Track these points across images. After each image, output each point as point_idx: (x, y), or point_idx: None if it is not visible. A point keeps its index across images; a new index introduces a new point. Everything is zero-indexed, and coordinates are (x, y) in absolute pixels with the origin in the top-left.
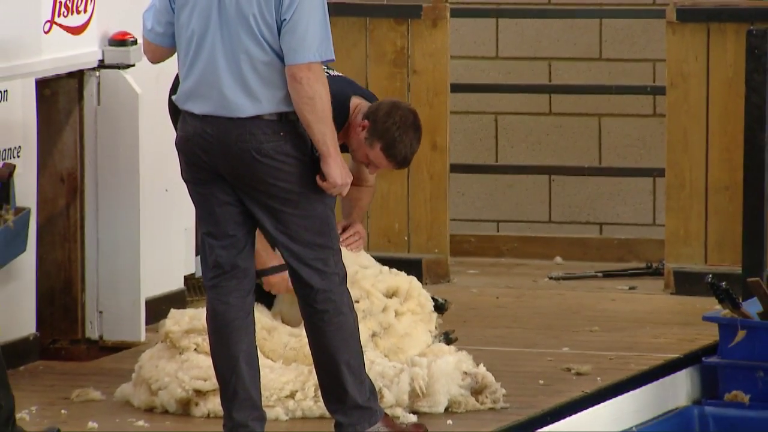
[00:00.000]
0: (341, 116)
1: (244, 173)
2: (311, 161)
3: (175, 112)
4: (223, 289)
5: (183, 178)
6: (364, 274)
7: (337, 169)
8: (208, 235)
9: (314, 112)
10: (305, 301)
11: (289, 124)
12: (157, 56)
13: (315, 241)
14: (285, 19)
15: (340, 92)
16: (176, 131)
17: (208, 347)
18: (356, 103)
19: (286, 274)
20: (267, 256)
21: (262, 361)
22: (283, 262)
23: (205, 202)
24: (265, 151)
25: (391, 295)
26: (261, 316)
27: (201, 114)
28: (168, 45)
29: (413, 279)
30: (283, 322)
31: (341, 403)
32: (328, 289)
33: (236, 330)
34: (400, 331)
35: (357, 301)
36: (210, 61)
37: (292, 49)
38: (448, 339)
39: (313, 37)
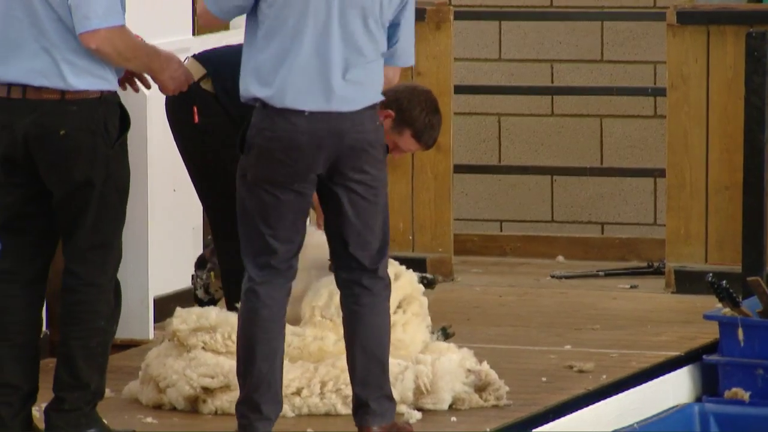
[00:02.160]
0: None
1: (347, 165)
2: (384, 151)
3: (176, 109)
4: (273, 287)
5: (252, 177)
6: None
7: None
8: (272, 237)
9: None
10: (360, 284)
11: (377, 114)
12: (212, 24)
13: (382, 233)
14: (397, 21)
15: None
16: (178, 129)
17: (216, 345)
18: None
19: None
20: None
21: None
22: None
23: (278, 206)
24: (371, 141)
25: (398, 304)
26: None
27: (308, 111)
28: (228, 20)
29: (412, 278)
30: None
31: (381, 390)
32: (384, 276)
33: (280, 325)
34: (406, 340)
35: None
36: (319, 55)
37: (407, 46)
38: (446, 334)
39: (412, 42)
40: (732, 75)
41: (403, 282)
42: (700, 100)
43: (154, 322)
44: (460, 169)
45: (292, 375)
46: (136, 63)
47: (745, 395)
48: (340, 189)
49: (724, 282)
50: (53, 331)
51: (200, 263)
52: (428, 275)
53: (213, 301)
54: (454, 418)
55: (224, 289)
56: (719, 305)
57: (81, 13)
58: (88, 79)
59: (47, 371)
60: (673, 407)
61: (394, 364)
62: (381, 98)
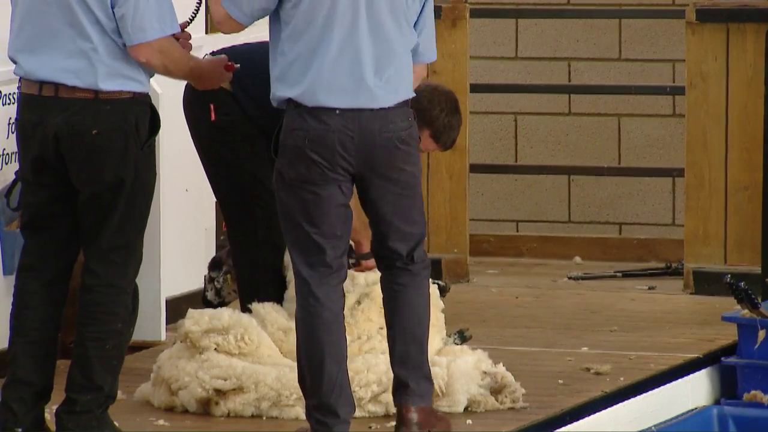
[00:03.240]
0: None
1: (381, 163)
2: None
3: (193, 106)
4: (329, 288)
5: (289, 179)
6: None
7: None
8: (319, 235)
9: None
10: (401, 268)
11: (410, 109)
12: (234, 30)
13: (421, 219)
14: (421, 12)
15: None
16: (195, 126)
17: (228, 346)
18: None
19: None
20: (366, 242)
21: (282, 360)
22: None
23: (320, 203)
24: (403, 138)
25: None
26: (278, 316)
27: (340, 108)
28: (248, 25)
29: (434, 291)
30: None
31: (420, 370)
32: (423, 259)
33: (342, 326)
34: None
35: (381, 328)
36: (349, 51)
37: (429, 42)
38: (462, 337)
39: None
40: (752, 73)
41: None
42: (720, 99)
43: (166, 323)
44: (476, 168)
45: None
46: (178, 76)
47: (764, 398)
48: (377, 187)
49: (743, 283)
50: (65, 332)
51: (215, 265)
52: (441, 282)
53: (223, 305)
54: (469, 421)
55: (239, 290)
56: (738, 307)
57: (136, 24)
58: (120, 81)
59: (58, 373)
60: (692, 410)
61: None
62: (412, 94)
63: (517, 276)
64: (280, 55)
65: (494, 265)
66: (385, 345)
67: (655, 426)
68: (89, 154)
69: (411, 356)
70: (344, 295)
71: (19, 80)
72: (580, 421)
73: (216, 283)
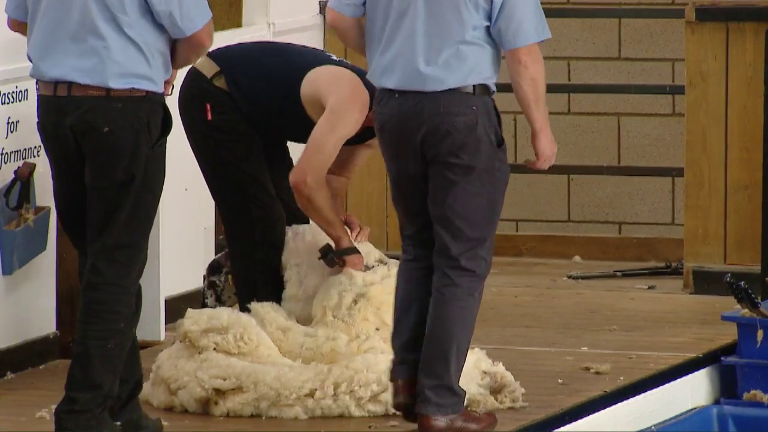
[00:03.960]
0: (372, 92)
1: (435, 148)
2: (496, 140)
3: (190, 106)
4: (417, 260)
5: (383, 158)
6: (376, 290)
7: (548, 144)
8: (404, 210)
9: (536, 92)
10: (443, 271)
11: (482, 98)
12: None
13: (477, 221)
14: (501, 3)
15: (364, 74)
16: (191, 126)
17: (227, 346)
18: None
19: (361, 255)
20: (347, 238)
21: (281, 360)
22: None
23: (399, 180)
24: (456, 126)
25: None
26: (276, 315)
27: (396, 89)
28: (353, 15)
29: None
30: (297, 321)
31: (438, 379)
32: (471, 269)
33: (422, 288)
34: None
35: (377, 329)
36: (408, 35)
37: (511, 33)
38: None
39: (530, 18)
40: (751, 73)
41: None
42: (719, 98)
43: (166, 323)
44: None
45: (305, 377)
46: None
47: (764, 397)
48: (434, 170)
49: (743, 282)
50: (63, 332)
51: (214, 269)
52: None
53: None
54: None
55: (237, 290)
56: (738, 306)
57: (185, 16)
58: (132, 80)
59: (56, 372)
60: (691, 409)
61: None
62: (475, 81)
63: (517, 275)
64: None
65: (494, 264)
66: (383, 345)
67: (654, 425)
68: (101, 151)
69: (430, 364)
70: (423, 278)
71: (36, 82)
72: (580, 421)
73: (217, 286)
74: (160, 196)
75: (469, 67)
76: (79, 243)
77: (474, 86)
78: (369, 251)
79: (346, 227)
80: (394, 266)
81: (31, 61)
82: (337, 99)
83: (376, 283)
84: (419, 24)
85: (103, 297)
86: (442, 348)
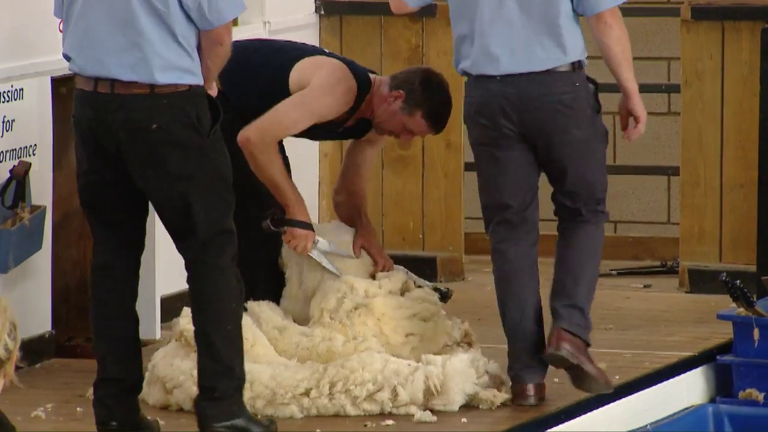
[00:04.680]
0: (366, 87)
1: (545, 126)
2: (595, 108)
3: None
4: (511, 243)
5: (472, 143)
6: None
7: (641, 104)
8: (499, 193)
9: (624, 52)
10: (570, 220)
11: (580, 73)
12: (401, 11)
13: (595, 181)
14: None
15: (358, 67)
16: None
17: None
18: (372, 77)
19: (312, 234)
20: (299, 209)
21: (277, 359)
22: (309, 221)
23: (497, 163)
24: (566, 102)
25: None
26: (272, 314)
27: (499, 74)
28: (416, 6)
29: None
30: (294, 321)
31: (569, 299)
32: (597, 209)
33: (528, 276)
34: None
35: (375, 336)
36: (507, 18)
37: None
38: (442, 293)
39: None
40: (747, 71)
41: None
42: (715, 97)
43: (161, 321)
44: (471, 166)
45: (300, 376)
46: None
47: (760, 396)
48: (544, 149)
49: (739, 281)
50: (58, 331)
51: None
52: (442, 288)
53: None
54: (464, 419)
55: None
56: (733, 305)
57: (213, 8)
58: (176, 73)
59: (52, 371)
60: (687, 408)
61: (404, 364)
62: (575, 58)
63: None
64: (453, 33)
65: (489, 263)
66: (380, 347)
67: (650, 424)
68: (151, 150)
69: (562, 287)
70: (535, 244)
71: (74, 76)
72: (576, 420)
73: None
74: (231, 177)
75: (568, 46)
76: (101, 232)
77: (572, 63)
78: (399, 277)
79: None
80: (395, 276)
81: (67, 58)
82: (318, 80)
83: (379, 296)
84: (512, 9)
85: (210, 284)
86: (573, 273)
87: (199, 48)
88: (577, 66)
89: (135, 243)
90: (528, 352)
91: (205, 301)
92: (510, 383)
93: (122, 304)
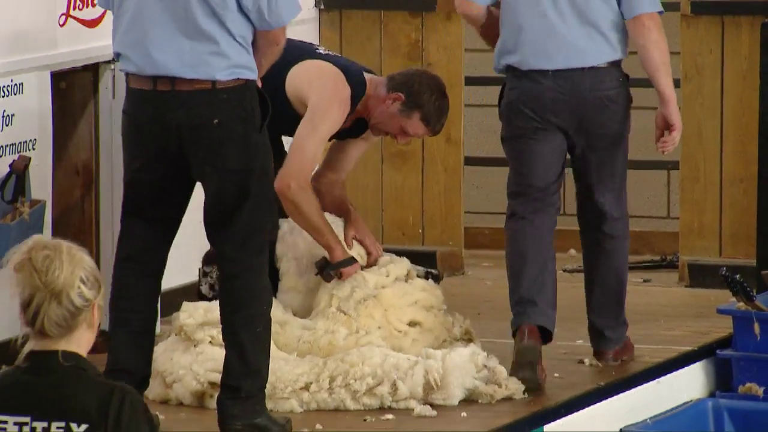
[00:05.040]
0: (361, 90)
1: (589, 120)
2: (629, 105)
3: None
4: (536, 211)
5: (507, 133)
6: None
7: (678, 113)
8: (529, 178)
9: (663, 56)
10: (599, 230)
11: (621, 70)
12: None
13: (622, 176)
14: None
15: (353, 68)
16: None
17: (222, 339)
18: (368, 77)
19: (357, 264)
20: (340, 248)
21: (277, 353)
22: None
23: (532, 151)
24: (612, 97)
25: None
26: (274, 310)
27: (551, 69)
28: (485, 3)
29: (433, 289)
30: (294, 315)
31: (615, 319)
32: (620, 217)
33: (544, 240)
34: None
35: (379, 327)
36: (558, 14)
37: (635, 0)
38: (434, 278)
39: None
40: (747, 66)
41: (421, 306)
42: (715, 92)
43: (161, 316)
44: (471, 161)
45: (300, 370)
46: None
47: (759, 390)
48: (584, 143)
49: (738, 276)
50: None
51: (209, 259)
52: (434, 270)
53: (217, 298)
54: (464, 414)
55: None
56: (733, 299)
57: (273, 11)
58: (236, 70)
59: None
60: (687, 402)
61: (404, 359)
62: (620, 56)
63: None
64: (501, 28)
65: (489, 258)
66: (381, 341)
67: (650, 419)
68: (211, 144)
69: (606, 308)
70: (554, 226)
71: (126, 76)
72: (575, 414)
73: (210, 277)
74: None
75: (615, 43)
76: (136, 226)
77: (617, 60)
78: (403, 265)
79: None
80: (400, 263)
81: (117, 57)
82: (316, 97)
83: (388, 286)
84: (565, 8)
85: (244, 284)
86: (616, 293)
87: (253, 45)
88: (618, 64)
89: (169, 238)
90: (540, 298)
91: (238, 301)
92: (507, 377)
93: (145, 297)
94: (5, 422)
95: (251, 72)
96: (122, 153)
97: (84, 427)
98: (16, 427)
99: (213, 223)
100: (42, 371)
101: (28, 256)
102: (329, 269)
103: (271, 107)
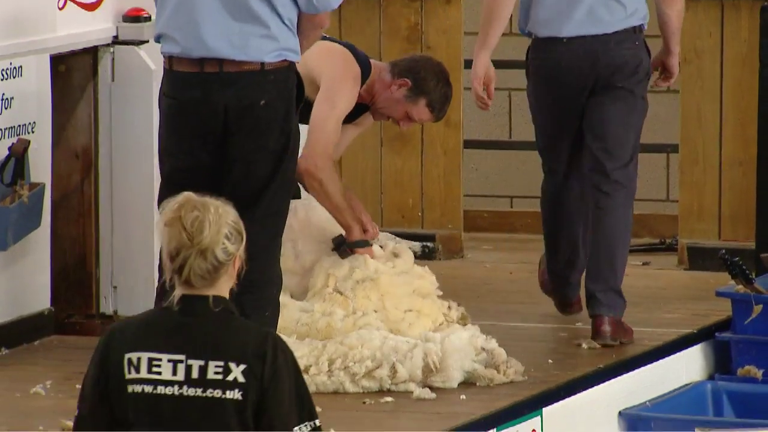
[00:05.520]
0: (368, 72)
1: (607, 81)
2: (648, 73)
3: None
4: (559, 188)
5: (534, 101)
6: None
7: (677, 64)
8: (551, 144)
9: (680, 23)
10: (600, 188)
11: (640, 36)
12: None
13: (630, 144)
14: None
15: (361, 54)
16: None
17: None
18: (372, 62)
19: (370, 248)
20: (357, 229)
21: None
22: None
23: (553, 121)
24: (626, 60)
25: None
26: None
27: (566, 37)
28: None
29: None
30: (291, 296)
31: (606, 283)
32: (624, 183)
33: (572, 205)
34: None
35: (375, 311)
36: None
37: None
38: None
39: None
40: (746, 49)
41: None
42: (714, 75)
43: None
44: (470, 144)
45: (299, 353)
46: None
47: (758, 373)
48: (596, 104)
49: (737, 258)
50: (57, 308)
51: None
52: (429, 244)
53: None
54: (463, 396)
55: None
56: (732, 282)
57: None
58: (283, 53)
59: (51, 348)
60: (686, 385)
61: (403, 341)
62: (637, 23)
63: (511, 252)
64: None
65: (488, 240)
66: (379, 323)
67: (649, 401)
68: (256, 125)
69: (600, 271)
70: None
71: (168, 59)
72: (574, 397)
73: None
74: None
75: (631, 9)
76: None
77: (634, 27)
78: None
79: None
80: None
81: (158, 38)
82: (329, 75)
83: (387, 273)
84: None
85: (258, 266)
86: (610, 258)
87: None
88: (638, 29)
89: None
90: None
91: (252, 282)
92: (511, 362)
93: None
94: (159, 360)
95: (296, 55)
96: (159, 139)
97: (242, 367)
98: (171, 365)
99: (233, 197)
100: (194, 314)
101: (178, 215)
102: (345, 246)
103: (304, 90)
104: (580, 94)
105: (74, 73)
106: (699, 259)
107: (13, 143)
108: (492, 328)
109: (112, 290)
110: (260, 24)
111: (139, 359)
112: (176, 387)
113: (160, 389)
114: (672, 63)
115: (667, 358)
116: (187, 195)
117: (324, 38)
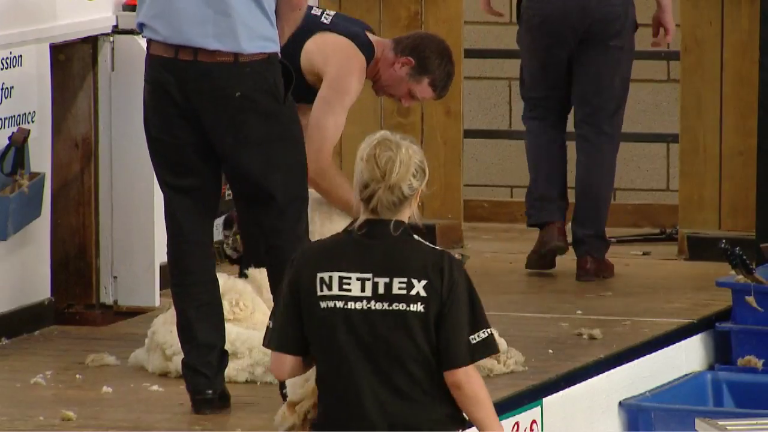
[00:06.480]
0: (371, 56)
1: (596, 34)
2: (634, 26)
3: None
4: (539, 123)
5: (525, 46)
6: None
7: (672, 19)
8: (538, 84)
9: None
10: (586, 137)
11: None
12: None
13: (614, 94)
14: None
15: (359, 32)
16: None
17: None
18: (375, 40)
19: None
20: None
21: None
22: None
23: (542, 65)
24: (617, 14)
25: None
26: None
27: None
28: None
29: None
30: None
31: (593, 228)
32: (610, 133)
33: (552, 149)
34: None
35: None
36: None
37: None
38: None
39: None
40: (746, 38)
41: None
42: (714, 64)
43: (161, 288)
44: (470, 134)
45: None
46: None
47: (759, 363)
48: (585, 55)
49: (738, 248)
50: (58, 298)
51: (228, 223)
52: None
53: (240, 260)
54: None
55: (244, 252)
56: (732, 272)
57: None
58: (260, 42)
59: (51, 338)
60: (686, 375)
61: None
62: None
63: (512, 241)
64: None
65: (488, 230)
66: None
67: (649, 391)
68: (233, 117)
69: (587, 217)
70: (562, 137)
71: (149, 42)
72: (575, 387)
73: (228, 240)
74: (303, 141)
75: None
76: (178, 201)
77: None
78: None
79: None
80: None
81: (140, 28)
82: (334, 73)
83: None
84: None
85: (287, 253)
86: (594, 202)
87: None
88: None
89: (213, 206)
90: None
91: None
92: (511, 352)
93: (204, 270)
94: (349, 278)
95: (275, 44)
96: (144, 125)
97: (423, 282)
98: (359, 283)
99: (247, 197)
100: (378, 236)
101: (374, 152)
102: None
103: (294, 78)
104: (568, 44)
105: (74, 62)
106: (699, 249)
107: (13, 132)
108: (492, 318)
109: (112, 280)
110: (237, 14)
111: (330, 278)
112: (364, 302)
113: (351, 304)
114: (667, 20)
115: (667, 348)
116: (383, 134)
117: (327, 25)
